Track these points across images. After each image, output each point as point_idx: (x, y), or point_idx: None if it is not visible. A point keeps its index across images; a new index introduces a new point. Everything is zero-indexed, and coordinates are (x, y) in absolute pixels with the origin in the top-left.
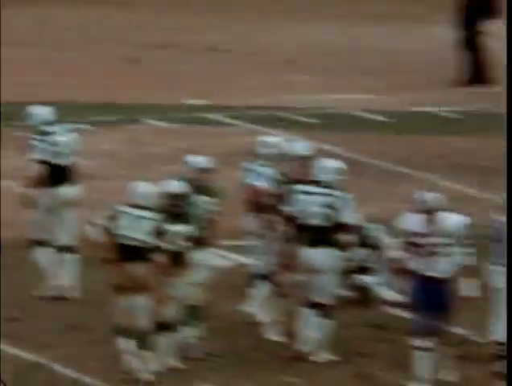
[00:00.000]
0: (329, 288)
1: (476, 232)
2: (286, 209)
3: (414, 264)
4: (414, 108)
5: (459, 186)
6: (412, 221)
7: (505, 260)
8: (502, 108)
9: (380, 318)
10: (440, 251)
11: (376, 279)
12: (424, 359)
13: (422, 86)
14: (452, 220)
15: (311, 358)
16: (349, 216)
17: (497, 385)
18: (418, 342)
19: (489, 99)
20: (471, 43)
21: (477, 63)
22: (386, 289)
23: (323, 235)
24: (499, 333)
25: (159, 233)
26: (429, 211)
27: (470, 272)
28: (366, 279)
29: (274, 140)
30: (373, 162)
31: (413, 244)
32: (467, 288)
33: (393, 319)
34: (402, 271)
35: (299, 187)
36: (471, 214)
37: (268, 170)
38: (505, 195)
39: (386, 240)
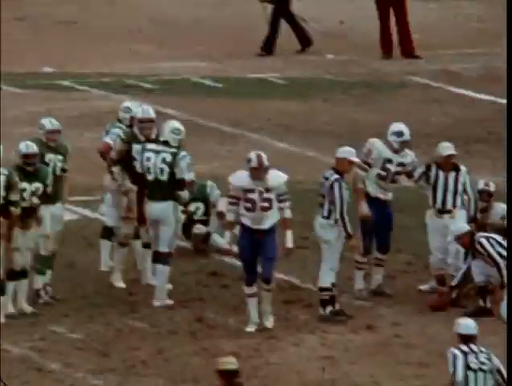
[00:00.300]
0: (169, 238)
1: (304, 188)
2: (134, 166)
3: (242, 217)
4: (248, 75)
5: (286, 145)
6: (242, 178)
7: (329, 213)
8: (326, 74)
9: (216, 265)
10: (265, 205)
11: (210, 229)
12: (255, 305)
13: (252, 53)
14: (277, 177)
15: (153, 302)
16: (189, 173)
17: (322, 327)
18: (248, 289)
19: (312, 65)
20: (285, 12)
21: (298, 31)
22: (220, 239)
23: (165, 189)
24: (324, 280)
25: (12, 188)
26: (257, 169)
27: (289, 224)
28: (202, 229)
29: (127, 104)
30: (211, 125)
31: (243, 199)
32: (288, 239)
33: (228, 267)
34: (230, 223)
35: (145, 146)
36: (298, 171)
37: (120, 131)
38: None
39: (218, 194)
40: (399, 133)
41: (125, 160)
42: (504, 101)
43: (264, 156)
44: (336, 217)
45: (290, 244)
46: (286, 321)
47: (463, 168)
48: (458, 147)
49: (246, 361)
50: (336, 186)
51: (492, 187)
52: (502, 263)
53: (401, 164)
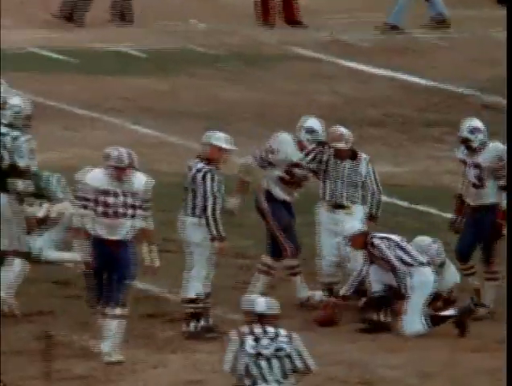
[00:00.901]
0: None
1: (166, 179)
2: None
3: (95, 224)
4: (102, 47)
5: (146, 129)
6: (99, 177)
7: (196, 210)
8: (192, 45)
9: (66, 273)
10: (125, 212)
11: (45, 237)
12: (110, 324)
13: (103, 21)
14: (140, 180)
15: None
16: (27, 161)
17: (188, 346)
18: (102, 307)
19: (176, 35)
20: None
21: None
22: (54, 253)
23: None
24: (189, 290)
25: None
26: (119, 169)
27: (152, 237)
28: (35, 242)
29: None
30: (59, 106)
31: (97, 202)
32: (146, 255)
33: (79, 275)
34: (77, 231)
35: None
36: (159, 160)
37: None
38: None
39: (62, 191)
40: (311, 131)
41: None
42: (405, 77)
43: (129, 153)
44: (207, 215)
45: (156, 261)
46: (145, 338)
47: (363, 156)
48: (350, 132)
49: None
50: (208, 177)
51: None
52: (402, 269)
53: (320, 160)
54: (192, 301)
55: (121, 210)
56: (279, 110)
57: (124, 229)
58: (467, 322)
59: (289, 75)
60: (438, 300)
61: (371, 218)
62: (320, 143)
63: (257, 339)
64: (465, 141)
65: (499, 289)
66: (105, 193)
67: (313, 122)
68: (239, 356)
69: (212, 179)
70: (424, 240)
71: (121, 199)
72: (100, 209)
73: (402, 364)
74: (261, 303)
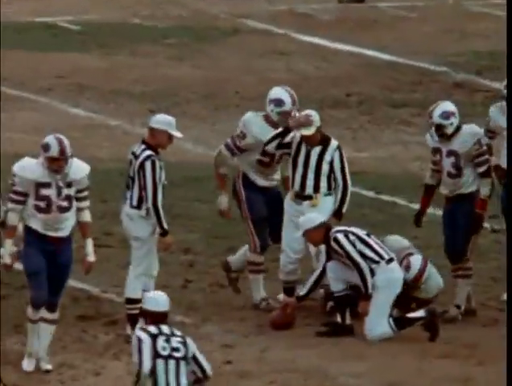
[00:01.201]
0: None
1: (106, 167)
2: None
3: (31, 220)
4: (31, 19)
5: (82, 111)
6: (34, 168)
7: (139, 201)
8: (134, 18)
9: None
10: (64, 205)
11: None
12: (46, 329)
13: None
14: (81, 169)
15: None
16: None
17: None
18: (34, 313)
19: (116, 6)
20: None
21: None
22: None
23: None
24: (133, 289)
25: None
26: (57, 159)
27: (90, 231)
28: None
29: None
30: None
31: (37, 197)
32: (89, 251)
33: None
34: (12, 228)
35: None
36: (98, 145)
37: None
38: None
39: None
40: (278, 102)
41: None
42: (369, 53)
43: (67, 142)
44: (148, 206)
45: (91, 257)
46: (83, 343)
47: (333, 142)
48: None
49: None
50: (147, 165)
51: None
52: (365, 266)
53: (286, 145)
54: (132, 301)
55: (64, 203)
56: (231, 90)
57: (68, 224)
58: (437, 324)
59: (241, 50)
60: (411, 302)
61: (335, 214)
62: (285, 129)
63: (154, 338)
64: (438, 129)
65: (472, 287)
66: (45, 186)
67: (279, 92)
68: (148, 358)
69: (154, 167)
70: (400, 241)
71: (63, 191)
72: (40, 204)
73: (365, 372)
74: (154, 300)
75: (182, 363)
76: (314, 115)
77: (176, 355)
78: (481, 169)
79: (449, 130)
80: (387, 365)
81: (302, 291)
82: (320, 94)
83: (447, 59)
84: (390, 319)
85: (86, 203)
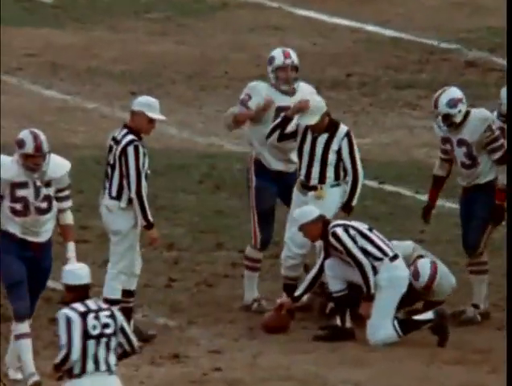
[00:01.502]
0: None
1: (82, 154)
2: None
3: (7, 223)
4: None
5: (56, 93)
6: (8, 167)
7: (119, 191)
8: None
9: None
10: (44, 206)
11: None
12: (29, 350)
13: None
14: (58, 166)
15: None
16: None
17: None
18: (20, 326)
19: None
20: None
21: None
22: None
23: None
24: (111, 288)
25: None
26: (34, 157)
27: (72, 233)
28: None
29: None
30: None
31: (13, 198)
32: (70, 254)
33: None
34: None
35: None
36: (74, 130)
37: None
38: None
39: None
40: (269, 60)
41: None
42: (371, 28)
43: (43, 137)
44: (131, 196)
45: (73, 262)
46: (57, 349)
47: (341, 129)
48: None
49: None
50: (130, 150)
51: None
52: (367, 263)
53: (289, 135)
54: (111, 302)
55: (43, 205)
56: (219, 69)
57: (48, 227)
58: (447, 327)
59: (230, 26)
60: (416, 301)
61: (343, 207)
62: (284, 118)
63: (84, 317)
64: (446, 118)
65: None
66: (21, 186)
67: (274, 51)
68: (78, 339)
69: (137, 153)
70: (402, 248)
71: (42, 191)
72: (16, 206)
73: (367, 380)
74: (74, 273)
75: (113, 339)
76: (318, 101)
77: (107, 331)
78: (496, 155)
79: (458, 119)
80: (391, 372)
81: (297, 291)
82: (318, 74)
83: (457, 35)
84: (395, 322)
85: (68, 204)
